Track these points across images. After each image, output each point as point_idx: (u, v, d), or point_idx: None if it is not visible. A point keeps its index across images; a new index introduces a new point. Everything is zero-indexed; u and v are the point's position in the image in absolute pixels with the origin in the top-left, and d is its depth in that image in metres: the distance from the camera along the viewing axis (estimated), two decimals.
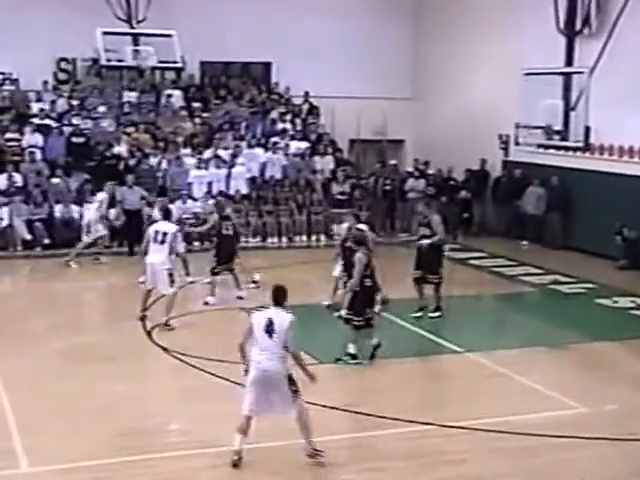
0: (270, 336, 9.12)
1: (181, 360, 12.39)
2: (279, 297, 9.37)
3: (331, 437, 9.75)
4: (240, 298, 16.15)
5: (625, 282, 18.12)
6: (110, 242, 20.66)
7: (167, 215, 15.18)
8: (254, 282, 16.91)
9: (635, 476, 5.86)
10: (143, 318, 14.29)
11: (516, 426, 10.15)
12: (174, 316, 14.42)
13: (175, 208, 21.40)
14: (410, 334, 14.19)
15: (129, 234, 20.41)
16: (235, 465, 8.91)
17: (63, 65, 24.91)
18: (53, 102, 23.72)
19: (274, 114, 25.34)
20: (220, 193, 21.70)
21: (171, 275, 14.22)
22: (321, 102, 25.66)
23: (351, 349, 12.58)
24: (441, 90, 26.22)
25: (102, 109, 23.56)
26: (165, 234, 14.29)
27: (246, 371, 9.24)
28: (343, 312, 12.84)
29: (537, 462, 9.25)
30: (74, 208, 20.84)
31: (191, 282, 15.87)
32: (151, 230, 14.62)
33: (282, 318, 9.20)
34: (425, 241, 14.77)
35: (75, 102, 23.78)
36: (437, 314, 14.89)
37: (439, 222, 14.95)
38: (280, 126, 24.88)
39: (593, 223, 20.51)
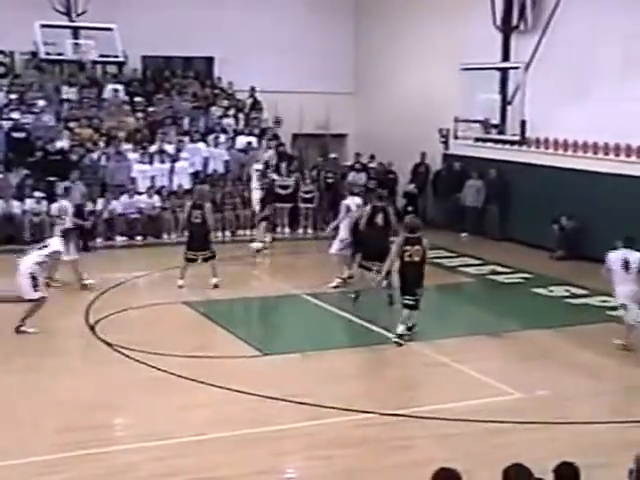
0: None
1: (124, 354, 12.38)
2: None
3: (277, 427, 9.86)
4: (216, 287, 16.26)
5: (560, 272, 18.47)
6: None
7: None
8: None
9: (565, 456, 6.05)
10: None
11: (456, 413, 10.35)
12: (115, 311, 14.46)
13: (120, 203, 21.44)
14: (353, 325, 14.33)
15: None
16: None
17: (1, 58, 24.51)
18: None
19: (217, 109, 25.32)
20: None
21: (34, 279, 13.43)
22: (263, 96, 25.69)
23: (400, 329, 13.08)
24: (382, 85, 26.41)
25: (42, 103, 23.27)
26: None
27: None
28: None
29: (478, 447, 9.43)
30: (15, 204, 20.65)
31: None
32: None
33: None
34: None
35: (14, 96, 23.37)
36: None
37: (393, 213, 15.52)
38: (224, 121, 24.87)
39: (530, 215, 20.86)
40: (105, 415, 10.32)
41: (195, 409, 10.43)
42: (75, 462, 8.89)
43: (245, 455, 9.13)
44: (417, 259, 13.08)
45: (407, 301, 13.18)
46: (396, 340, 13.07)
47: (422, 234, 13.34)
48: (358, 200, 16.71)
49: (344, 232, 16.36)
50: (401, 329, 13.12)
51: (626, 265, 12.71)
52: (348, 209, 16.48)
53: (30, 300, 13.42)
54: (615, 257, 12.87)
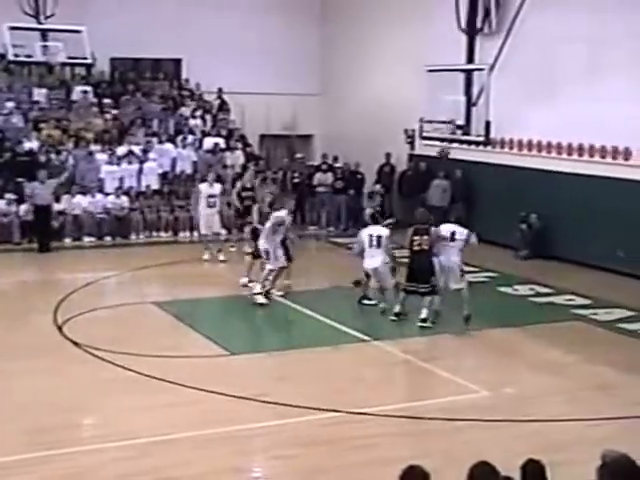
0: None
1: (92, 354, 12.21)
2: None
3: (241, 426, 9.75)
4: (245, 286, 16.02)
5: (525, 271, 18.51)
6: (20, 239, 20.26)
7: None
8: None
9: (531, 454, 6.01)
10: None
11: (422, 411, 10.29)
12: (85, 311, 14.27)
13: (85, 202, 21.25)
14: (320, 324, 14.23)
15: (39, 230, 20.04)
16: None
17: None
18: None
19: (185, 110, 25.17)
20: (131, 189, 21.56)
21: None
22: (231, 98, 25.57)
23: (423, 314, 13.72)
24: (349, 86, 26.36)
25: (10, 105, 23.00)
26: None
27: None
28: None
29: (445, 445, 9.37)
30: None
31: None
32: None
33: None
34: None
35: None
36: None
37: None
38: (192, 122, 24.73)
39: (496, 214, 20.86)
40: (71, 415, 10.14)
41: (162, 409, 10.29)
42: (40, 463, 8.71)
43: (209, 455, 9.00)
44: (425, 247, 13.69)
45: (422, 289, 13.74)
46: (421, 324, 13.67)
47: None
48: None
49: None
50: (425, 313, 13.71)
51: (452, 236, 13.97)
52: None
53: None
54: (445, 229, 14.10)
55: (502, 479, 5.66)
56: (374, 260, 14.33)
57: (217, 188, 19.36)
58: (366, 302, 15.11)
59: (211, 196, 19.07)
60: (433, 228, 13.94)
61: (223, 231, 19.34)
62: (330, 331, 13.85)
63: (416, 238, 13.74)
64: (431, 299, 13.85)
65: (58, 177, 20.50)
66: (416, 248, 13.75)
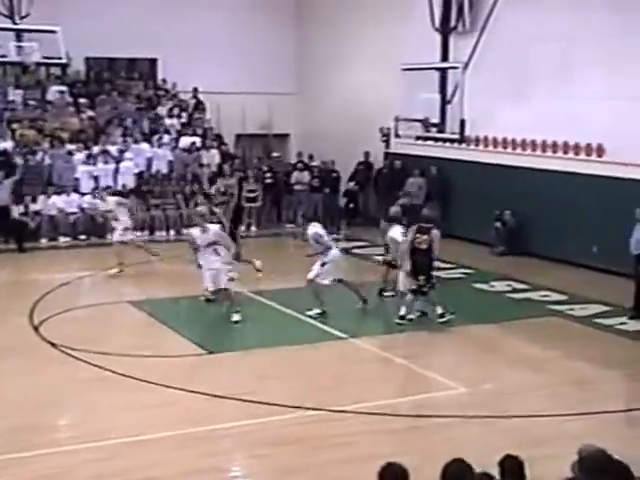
0: None
1: (69, 354, 12.05)
2: None
3: (220, 425, 9.63)
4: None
5: (501, 267, 18.47)
6: None
7: None
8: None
9: (509, 449, 5.95)
10: None
11: (401, 408, 10.23)
12: (61, 311, 14.10)
13: (61, 202, 21.07)
14: (297, 322, 14.13)
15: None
16: None
17: None
18: None
19: (161, 110, 25.00)
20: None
21: None
22: (207, 98, 25.41)
23: (439, 309, 13.79)
24: (324, 85, 26.28)
25: None
26: None
27: None
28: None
29: (423, 442, 9.31)
30: None
31: None
32: None
33: None
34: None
35: None
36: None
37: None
38: (168, 122, 24.56)
39: (471, 211, 20.85)
40: (46, 416, 9.99)
41: (138, 409, 10.15)
42: (12, 465, 8.55)
43: (184, 455, 8.86)
44: (424, 247, 13.76)
45: (424, 287, 13.76)
46: (398, 321, 13.72)
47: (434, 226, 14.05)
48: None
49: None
50: (403, 311, 13.79)
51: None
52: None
53: None
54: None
55: (478, 476, 5.61)
56: None
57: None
58: (386, 294, 15.38)
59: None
60: (435, 230, 13.94)
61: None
62: (308, 329, 13.76)
63: (418, 236, 13.88)
64: (411, 298, 13.90)
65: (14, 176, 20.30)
66: (416, 246, 13.85)
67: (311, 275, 14.17)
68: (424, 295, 13.90)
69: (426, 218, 14.25)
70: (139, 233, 21.43)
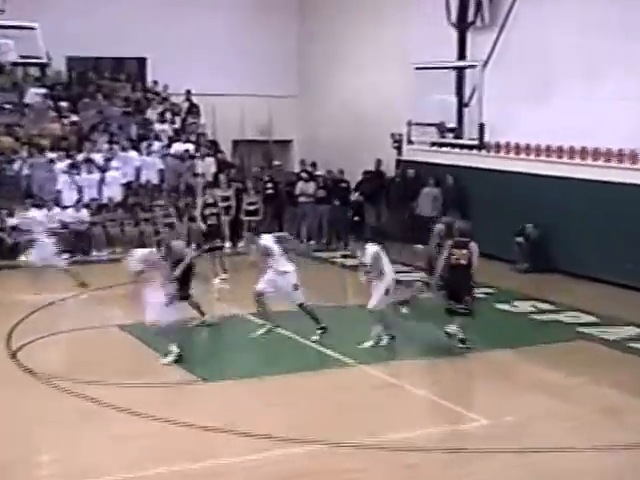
0: None
1: (51, 384, 12.12)
2: None
3: (217, 461, 9.65)
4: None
5: (524, 285, 18.52)
6: None
7: None
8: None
9: None
10: None
11: (414, 442, 10.23)
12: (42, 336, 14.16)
13: (41, 216, 21.07)
14: (299, 347, 14.18)
15: None
16: None
17: None
18: None
19: (151, 114, 25.09)
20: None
21: None
22: (201, 100, 25.51)
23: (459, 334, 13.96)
24: (329, 88, 26.38)
25: None
26: None
27: None
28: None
29: (443, 478, 9.38)
30: None
31: None
32: None
33: None
34: None
35: None
36: None
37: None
38: (158, 127, 24.65)
39: (491, 225, 20.76)
40: (27, 452, 10.00)
41: (129, 442, 10.19)
42: None
43: None
44: (464, 262, 13.88)
45: (450, 306, 13.95)
46: (461, 346, 13.82)
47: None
48: None
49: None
50: (461, 333, 13.89)
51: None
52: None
53: None
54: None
55: None
56: None
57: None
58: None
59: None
60: (472, 243, 14.03)
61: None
62: (311, 354, 13.81)
63: (455, 251, 13.95)
64: (462, 320, 13.96)
65: None
66: (454, 262, 13.94)
67: (371, 305, 14.18)
68: (467, 316, 13.94)
69: (461, 231, 14.35)
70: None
